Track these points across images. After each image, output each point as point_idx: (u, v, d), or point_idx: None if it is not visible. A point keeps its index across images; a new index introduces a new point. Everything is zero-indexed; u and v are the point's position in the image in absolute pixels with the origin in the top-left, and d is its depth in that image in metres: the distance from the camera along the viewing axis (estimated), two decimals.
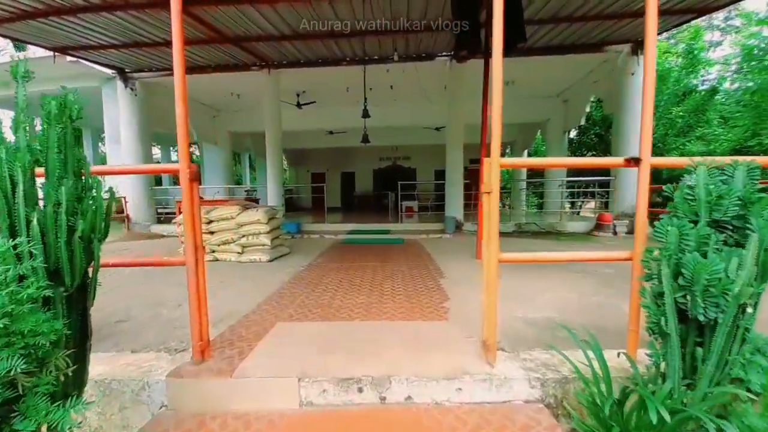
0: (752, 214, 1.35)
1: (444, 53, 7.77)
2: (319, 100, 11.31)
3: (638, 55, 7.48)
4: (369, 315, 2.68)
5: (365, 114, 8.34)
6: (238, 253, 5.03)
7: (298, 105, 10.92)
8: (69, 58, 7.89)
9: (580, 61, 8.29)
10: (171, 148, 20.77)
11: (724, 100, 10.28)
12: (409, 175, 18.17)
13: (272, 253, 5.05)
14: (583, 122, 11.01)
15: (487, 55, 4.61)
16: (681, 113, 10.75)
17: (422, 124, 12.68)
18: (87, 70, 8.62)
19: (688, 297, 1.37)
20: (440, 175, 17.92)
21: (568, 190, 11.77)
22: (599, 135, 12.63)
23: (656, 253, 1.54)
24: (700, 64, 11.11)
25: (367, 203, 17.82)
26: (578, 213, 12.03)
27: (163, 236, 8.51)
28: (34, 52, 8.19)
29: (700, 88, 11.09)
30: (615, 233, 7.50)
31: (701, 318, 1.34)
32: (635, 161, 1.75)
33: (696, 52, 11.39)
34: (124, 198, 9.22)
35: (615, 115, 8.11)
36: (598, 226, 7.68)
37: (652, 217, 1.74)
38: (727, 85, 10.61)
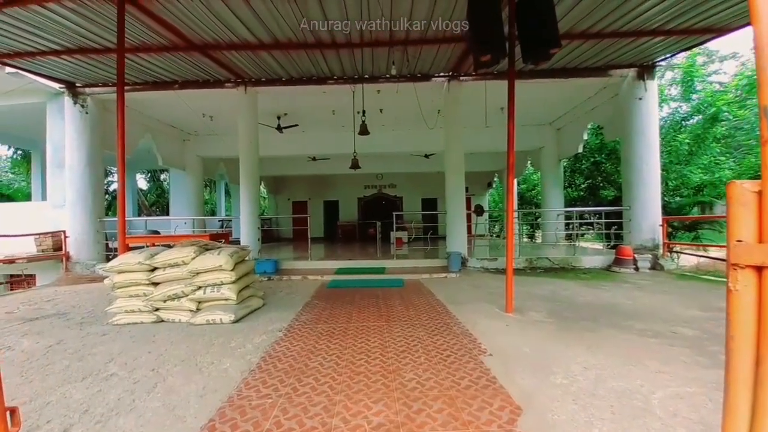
0: None
1: (442, 74, 7.09)
2: (302, 123, 10.38)
3: (644, 80, 7.08)
4: None
5: (363, 130, 7.36)
6: (191, 311, 3.71)
7: (279, 128, 9.92)
8: (7, 69, 6.65)
9: (579, 86, 7.86)
10: (138, 174, 19.10)
11: (726, 125, 10.26)
12: (396, 204, 17.31)
13: (239, 309, 3.77)
14: (580, 150, 10.58)
15: (512, 60, 3.80)
16: (685, 140, 10.55)
17: (411, 151, 11.95)
18: (31, 84, 7.33)
19: None
20: (427, 204, 17.31)
21: (567, 221, 11.14)
22: (596, 163, 12.30)
23: None
24: (695, 92, 11.26)
25: (352, 233, 16.64)
26: (573, 245, 11.35)
27: None
28: None
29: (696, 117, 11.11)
30: (637, 269, 6.69)
31: None
32: None
33: (692, 82, 11.52)
34: (64, 233, 7.66)
35: (623, 141, 7.58)
36: (618, 261, 6.85)
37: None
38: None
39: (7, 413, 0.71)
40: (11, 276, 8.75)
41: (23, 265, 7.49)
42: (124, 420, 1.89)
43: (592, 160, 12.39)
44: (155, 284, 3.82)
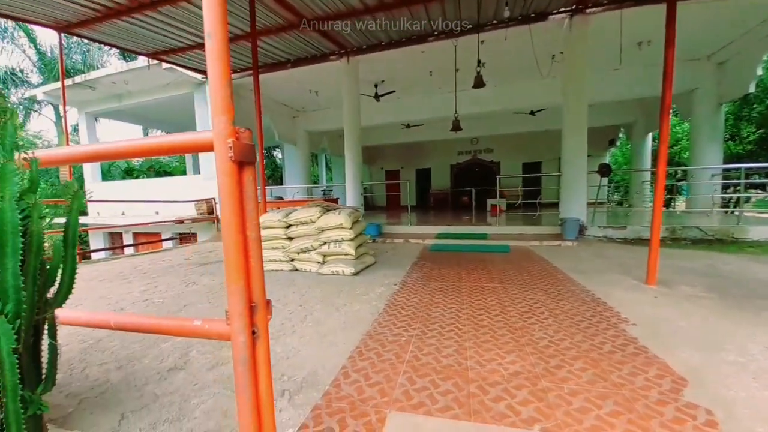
0: None
1: (563, 9, 6.06)
2: (398, 89, 10.35)
3: None
4: (554, 413, 1.48)
5: (478, 83, 6.80)
6: (319, 263, 4.25)
7: (376, 97, 10.10)
8: (164, 65, 8.22)
9: (748, 4, 5.81)
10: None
11: None
12: (492, 170, 16.29)
13: (357, 264, 4.15)
14: (752, 90, 8.05)
15: None
16: None
17: (515, 108, 10.82)
18: (180, 77, 8.98)
19: None
20: (529, 168, 15.76)
21: (724, 181, 8.82)
22: None
23: None
24: None
25: (445, 201, 16.45)
26: (730, 212, 8.95)
27: None
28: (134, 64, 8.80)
29: None
30: None
31: None
32: None
33: None
34: (214, 199, 9.48)
35: None
36: None
37: None
38: None
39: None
40: (179, 234, 11.32)
41: (188, 225, 9.62)
42: (291, 339, 2.32)
43: (766, 103, 9.25)
44: (290, 239, 4.46)
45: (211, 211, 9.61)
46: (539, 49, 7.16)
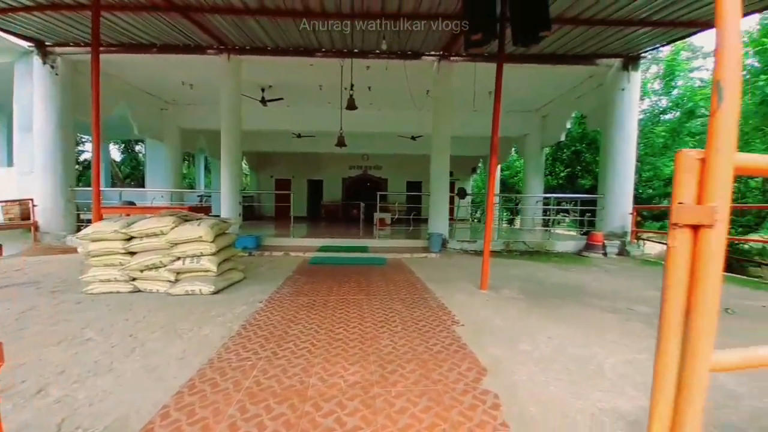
0: None
1: (432, 52, 7.00)
2: (287, 97, 10.10)
3: (629, 71, 7.24)
4: (376, 418, 1.60)
5: (350, 105, 7.18)
6: (170, 282, 3.69)
7: (263, 101, 9.62)
8: None
9: (566, 74, 7.99)
10: (111, 144, 18.21)
11: (704, 122, 10.69)
12: (380, 185, 17.33)
13: (219, 281, 3.77)
14: (563, 138, 10.81)
15: (502, 41, 3.80)
16: (662, 132, 10.97)
17: (398, 132, 11.88)
18: None
19: None
20: (412, 186, 17.39)
21: (545, 207, 11.50)
22: (576, 152, 12.61)
23: None
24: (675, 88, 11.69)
25: (336, 213, 16.65)
26: (549, 230, 11.75)
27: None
28: None
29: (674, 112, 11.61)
30: (605, 254, 7.04)
31: None
32: None
33: (674, 75, 11.89)
34: (31, 201, 7.32)
35: (603, 131, 7.80)
36: (588, 246, 7.19)
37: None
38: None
39: None
40: None
41: None
42: (103, 380, 1.92)
43: (573, 149, 12.69)
44: (132, 253, 3.75)
45: (26, 216, 7.38)
46: (416, 83, 8.06)
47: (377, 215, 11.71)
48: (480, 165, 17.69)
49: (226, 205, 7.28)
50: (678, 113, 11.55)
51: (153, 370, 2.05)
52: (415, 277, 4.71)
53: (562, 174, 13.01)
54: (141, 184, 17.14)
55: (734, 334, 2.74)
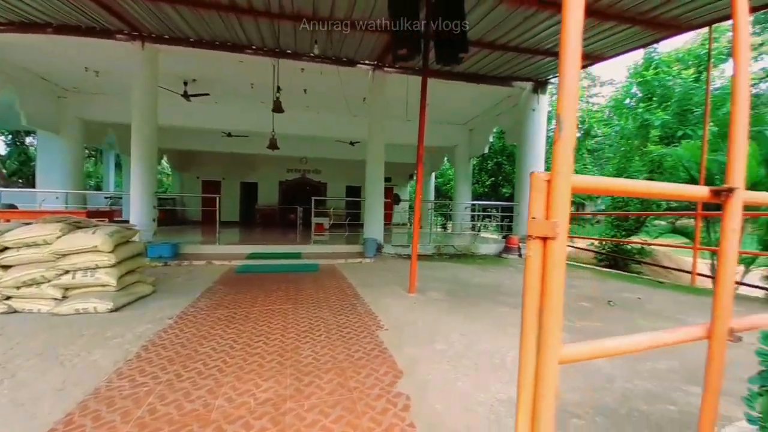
0: None
1: (367, 61, 7.12)
2: (215, 93, 9.42)
3: (538, 94, 8.18)
4: None
5: (277, 107, 6.92)
6: (56, 299, 3.15)
7: (186, 96, 8.82)
8: None
9: (488, 92, 8.75)
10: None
11: (598, 141, 12.56)
12: (319, 190, 17.06)
13: (120, 297, 3.32)
14: (486, 151, 11.79)
15: (426, 58, 4.03)
16: None
17: (336, 137, 11.82)
18: None
19: None
20: (352, 191, 17.40)
21: (472, 213, 12.41)
22: (498, 164, 13.86)
23: None
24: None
25: (272, 218, 15.90)
26: (477, 234, 12.73)
27: None
28: None
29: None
30: (520, 255, 7.82)
31: None
32: (726, 193, 1.16)
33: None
34: None
35: (518, 147, 8.69)
36: (506, 249, 7.92)
37: None
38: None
39: None
40: None
41: None
42: None
43: (495, 160, 13.95)
44: (5, 267, 3.13)
45: None
46: (352, 90, 8.12)
47: (315, 220, 11.51)
48: (415, 172, 18.44)
49: (137, 209, 6.48)
50: (578, 132, 13.61)
51: (22, 405, 1.73)
52: (347, 282, 4.70)
53: (487, 183, 14.21)
54: (32, 183, 14.45)
55: (612, 322, 3.24)
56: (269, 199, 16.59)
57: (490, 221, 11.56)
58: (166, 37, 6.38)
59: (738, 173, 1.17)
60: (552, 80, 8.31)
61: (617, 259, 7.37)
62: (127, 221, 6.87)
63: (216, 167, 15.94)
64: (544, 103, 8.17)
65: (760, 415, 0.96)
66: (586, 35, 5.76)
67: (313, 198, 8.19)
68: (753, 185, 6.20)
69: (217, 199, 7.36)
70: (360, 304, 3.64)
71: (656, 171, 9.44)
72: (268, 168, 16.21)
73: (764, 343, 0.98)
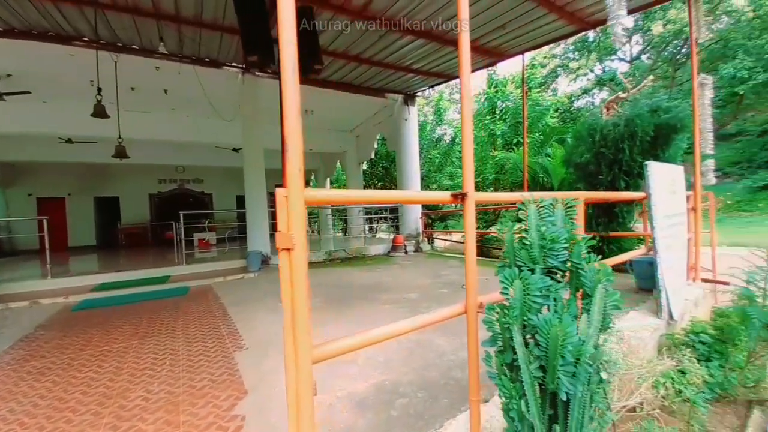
0: (576, 257, 1.22)
1: (234, 64, 6.71)
2: (44, 92, 7.59)
3: (408, 105, 9.00)
4: None
5: (98, 112, 5.71)
6: None
7: None
8: None
9: (367, 102, 9.24)
10: None
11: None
12: (203, 201, 15.35)
13: None
14: (372, 156, 12.42)
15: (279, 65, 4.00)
16: (437, 154, 14.23)
17: (214, 143, 10.78)
18: None
19: (546, 369, 1.09)
20: (243, 201, 16.09)
21: (366, 216, 12.92)
22: (385, 168, 14.71)
23: (498, 311, 1.23)
24: (444, 122, 15.66)
25: (142, 238, 13.61)
26: (374, 236, 13.33)
27: None
28: None
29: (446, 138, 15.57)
30: (406, 252, 8.49)
31: (562, 395, 1.06)
32: (462, 196, 1.46)
33: (441, 112, 15.75)
34: None
35: (396, 153, 9.42)
36: (394, 247, 8.49)
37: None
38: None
39: None
40: None
41: None
42: None
43: (382, 165, 14.82)
44: None
45: None
46: (223, 92, 7.53)
47: (197, 236, 10.29)
48: (312, 177, 18.22)
49: None
50: (449, 140, 15.71)
51: None
52: (218, 303, 4.34)
53: (378, 186, 14.95)
54: None
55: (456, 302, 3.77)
56: (137, 216, 14.13)
57: (385, 222, 12.20)
58: None
59: (469, 182, 1.50)
60: (418, 93, 9.24)
61: (483, 248, 8.64)
62: None
63: (56, 180, 12.81)
64: (414, 113, 9.03)
65: (496, 371, 1.25)
66: (435, 56, 6.61)
67: (181, 213, 7.25)
68: (561, 182, 7.99)
69: (45, 221, 5.90)
70: (225, 326, 3.40)
71: (500, 172, 11.37)
72: (132, 179, 13.78)
73: (488, 313, 1.27)
